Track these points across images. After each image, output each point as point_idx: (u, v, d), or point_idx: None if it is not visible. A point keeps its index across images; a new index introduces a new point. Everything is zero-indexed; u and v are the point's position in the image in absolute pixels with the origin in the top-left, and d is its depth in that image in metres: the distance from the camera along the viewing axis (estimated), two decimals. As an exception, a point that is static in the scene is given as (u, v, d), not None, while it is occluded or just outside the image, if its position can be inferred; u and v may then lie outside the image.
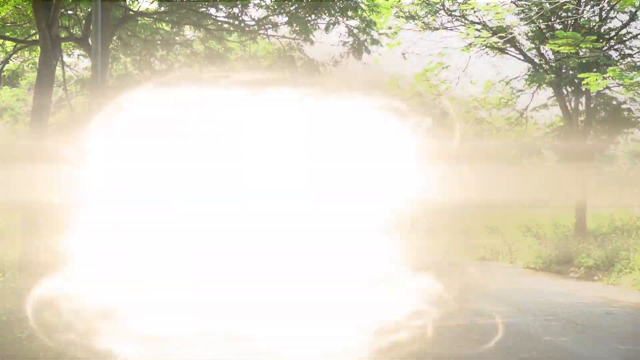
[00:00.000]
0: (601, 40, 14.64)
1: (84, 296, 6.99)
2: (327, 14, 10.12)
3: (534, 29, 15.88)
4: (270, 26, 10.68)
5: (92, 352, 6.04)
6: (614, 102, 16.14)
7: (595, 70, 14.63)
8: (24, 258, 7.74)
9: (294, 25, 10.34)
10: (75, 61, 15.51)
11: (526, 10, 15.02)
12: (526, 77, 16.70)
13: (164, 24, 11.27)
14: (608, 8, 15.07)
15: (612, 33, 15.66)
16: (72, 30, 10.00)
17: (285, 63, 11.37)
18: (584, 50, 14.01)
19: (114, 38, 10.51)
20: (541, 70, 16.16)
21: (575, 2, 14.77)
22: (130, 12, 10.23)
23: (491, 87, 17.50)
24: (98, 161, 7.48)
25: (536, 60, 16.71)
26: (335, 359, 6.74)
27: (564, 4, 14.20)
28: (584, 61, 14.40)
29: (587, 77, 13.67)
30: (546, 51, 16.21)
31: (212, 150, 6.18)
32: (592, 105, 16.28)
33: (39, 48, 8.44)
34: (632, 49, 15.86)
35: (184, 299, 6.03)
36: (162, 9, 10.41)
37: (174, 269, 6.08)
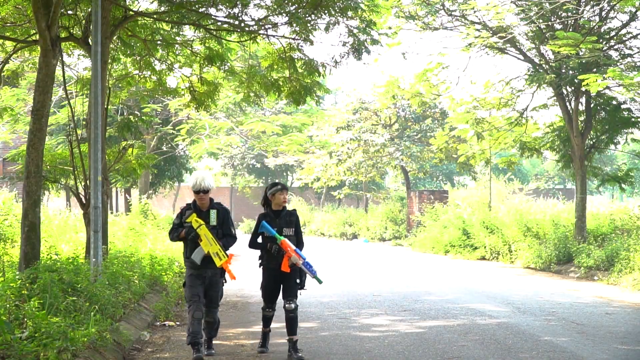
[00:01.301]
0: (601, 41, 14.63)
1: None
2: (327, 14, 10.10)
3: (534, 29, 15.88)
4: (270, 26, 10.66)
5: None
6: (614, 102, 16.14)
7: (595, 70, 14.63)
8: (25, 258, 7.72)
9: (294, 25, 10.32)
10: (75, 61, 15.52)
11: (526, 10, 15.01)
12: (526, 77, 16.70)
13: (164, 24, 11.26)
14: (608, 8, 15.07)
15: (612, 33, 15.66)
16: (72, 30, 9.99)
17: (286, 63, 11.36)
18: (583, 50, 14.00)
19: (114, 38, 10.51)
20: (541, 70, 16.16)
21: (575, 2, 14.76)
22: (130, 12, 10.21)
23: (491, 87, 17.49)
24: None
25: (536, 60, 16.72)
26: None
27: (563, 4, 14.19)
28: (584, 61, 14.41)
29: (587, 79, 13.68)
30: (546, 51, 16.20)
31: None
32: (592, 105, 16.28)
33: (39, 48, 8.42)
34: (632, 49, 15.87)
35: None
36: (162, 9, 10.39)
37: None
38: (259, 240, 6.92)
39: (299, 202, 38.01)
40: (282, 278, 6.80)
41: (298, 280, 6.85)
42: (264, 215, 6.88)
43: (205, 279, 6.63)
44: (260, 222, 6.78)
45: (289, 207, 6.87)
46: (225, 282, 6.90)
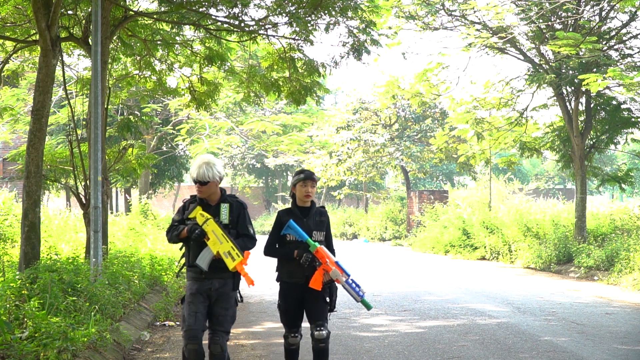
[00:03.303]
0: (601, 41, 14.63)
1: None
2: (327, 14, 10.10)
3: (534, 29, 15.88)
4: (270, 26, 10.66)
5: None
6: (614, 102, 16.15)
7: (595, 70, 14.64)
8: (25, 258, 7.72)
9: (294, 25, 10.32)
10: (75, 61, 15.53)
11: (526, 10, 15.02)
12: (526, 77, 16.71)
13: (164, 24, 11.27)
14: (608, 8, 15.08)
15: (612, 33, 15.66)
16: (72, 30, 9.98)
17: (286, 63, 11.37)
18: (583, 50, 14.01)
19: (114, 38, 10.51)
20: (541, 70, 16.17)
21: (575, 2, 14.76)
22: (131, 12, 10.21)
23: (491, 87, 17.50)
24: None
25: (536, 60, 16.72)
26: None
27: (563, 4, 14.19)
28: (584, 61, 14.41)
29: (587, 78, 13.68)
30: (546, 51, 16.21)
31: None
32: (592, 105, 16.29)
33: (39, 48, 8.42)
34: (632, 49, 15.88)
35: None
36: (162, 9, 10.39)
37: None
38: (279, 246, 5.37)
39: (299, 202, 37.98)
40: (306, 295, 5.26)
41: (327, 299, 5.33)
42: (287, 213, 5.35)
43: (212, 293, 5.01)
44: (286, 221, 5.23)
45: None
46: (240, 301, 5.21)
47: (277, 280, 5.39)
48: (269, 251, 5.35)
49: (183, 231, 5.03)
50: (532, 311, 9.56)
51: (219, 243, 4.92)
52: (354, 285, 5.12)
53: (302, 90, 11.75)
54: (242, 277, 5.00)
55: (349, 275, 5.13)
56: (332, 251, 5.37)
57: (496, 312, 9.51)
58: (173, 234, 5.11)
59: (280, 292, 5.36)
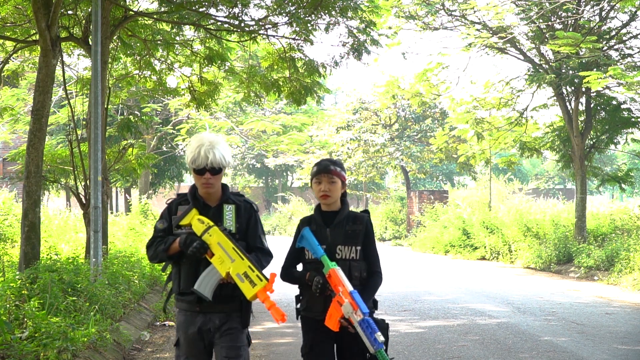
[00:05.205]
0: (601, 41, 14.63)
1: None
2: (327, 14, 10.11)
3: (534, 29, 15.88)
4: (270, 26, 10.67)
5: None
6: (614, 102, 16.15)
7: (595, 70, 14.64)
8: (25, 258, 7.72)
9: (294, 25, 10.33)
10: (75, 61, 15.53)
11: (526, 10, 15.02)
12: (526, 77, 16.71)
13: (164, 24, 11.27)
14: (608, 8, 15.08)
15: (612, 33, 15.66)
16: (72, 30, 9.99)
17: (286, 63, 11.37)
18: (583, 50, 14.01)
19: (114, 38, 10.51)
20: (541, 70, 16.16)
21: (575, 2, 14.76)
22: (131, 12, 10.21)
23: (491, 87, 17.50)
24: None
25: (536, 60, 16.72)
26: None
27: (563, 4, 14.19)
28: (584, 61, 14.41)
29: (588, 76, 13.68)
30: (546, 51, 16.21)
31: None
32: (592, 105, 16.29)
33: (39, 48, 8.42)
34: (632, 49, 15.88)
35: None
36: (162, 9, 10.40)
37: None
38: (300, 266, 3.78)
39: (299, 202, 37.99)
40: (337, 334, 3.60)
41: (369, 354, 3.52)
42: (307, 221, 3.77)
43: (210, 333, 3.60)
44: (300, 231, 3.71)
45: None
46: (250, 342, 3.67)
47: (298, 317, 3.77)
48: (286, 274, 3.75)
49: (174, 244, 3.50)
50: (532, 311, 9.56)
51: (229, 261, 3.37)
52: (368, 328, 3.37)
53: (302, 90, 11.76)
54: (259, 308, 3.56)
55: (364, 314, 3.38)
56: (375, 273, 3.69)
57: (496, 312, 9.51)
58: (158, 249, 3.54)
59: (303, 329, 3.76)
